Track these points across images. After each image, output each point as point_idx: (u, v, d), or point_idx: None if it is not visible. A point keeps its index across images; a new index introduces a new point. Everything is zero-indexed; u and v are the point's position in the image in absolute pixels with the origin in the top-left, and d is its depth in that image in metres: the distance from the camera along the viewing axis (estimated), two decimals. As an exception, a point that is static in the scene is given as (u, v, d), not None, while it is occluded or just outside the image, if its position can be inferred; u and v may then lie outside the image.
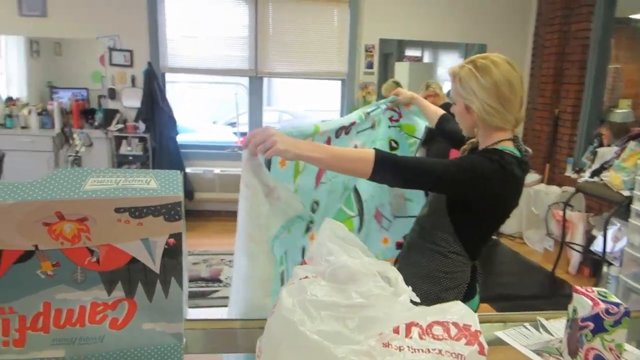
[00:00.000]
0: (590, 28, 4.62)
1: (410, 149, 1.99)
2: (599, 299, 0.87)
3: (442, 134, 1.74)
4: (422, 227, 1.45)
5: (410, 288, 0.87)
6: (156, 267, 0.74)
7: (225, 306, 3.53)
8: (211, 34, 4.89)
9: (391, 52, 5.35)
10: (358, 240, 1.00)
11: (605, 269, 3.76)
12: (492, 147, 1.30)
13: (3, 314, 0.71)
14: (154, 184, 0.70)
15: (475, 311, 1.41)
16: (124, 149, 4.75)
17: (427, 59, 5.57)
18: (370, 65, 5.14)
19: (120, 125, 4.74)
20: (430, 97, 4.20)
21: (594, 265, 4.03)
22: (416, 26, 5.15)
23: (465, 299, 1.38)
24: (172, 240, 0.72)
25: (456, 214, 1.33)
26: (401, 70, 5.40)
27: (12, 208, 0.64)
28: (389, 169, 1.19)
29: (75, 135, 4.23)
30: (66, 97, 4.80)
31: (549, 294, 3.90)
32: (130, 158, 4.74)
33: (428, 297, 1.32)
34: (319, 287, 0.82)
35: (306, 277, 0.87)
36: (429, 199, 1.46)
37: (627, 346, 0.91)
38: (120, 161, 4.74)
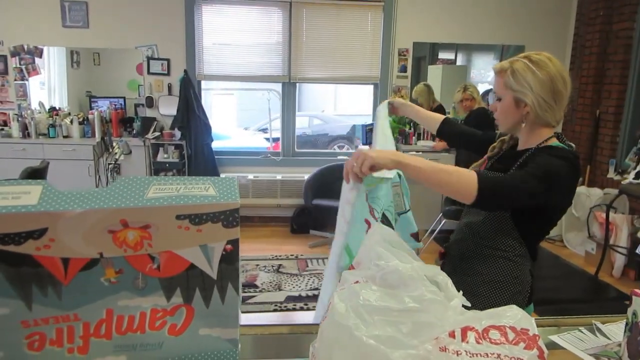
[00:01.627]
0: (634, 27, 4.48)
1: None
2: (664, 304, 0.84)
3: (443, 136, 1.69)
4: (477, 234, 1.40)
5: (461, 293, 0.86)
6: (214, 273, 0.75)
7: (263, 311, 3.55)
8: (246, 41, 4.97)
9: (424, 55, 5.31)
10: (406, 244, 1.00)
11: (653, 273, 3.62)
12: (546, 145, 1.30)
13: (68, 321, 0.73)
14: (213, 191, 0.72)
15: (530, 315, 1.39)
16: (161, 157, 4.87)
17: (460, 61, 5.50)
18: (403, 69, 5.12)
19: (157, 133, 4.87)
20: (467, 100, 4.15)
21: (639, 268, 3.90)
22: (450, 28, 5.10)
23: (529, 302, 1.38)
24: (229, 246, 0.74)
25: (521, 217, 1.31)
26: (434, 73, 5.35)
27: (80, 216, 0.67)
28: (493, 195, 1.14)
29: (114, 144, 4.37)
30: (105, 106, 4.97)
31: (592, 297, 3.78)
32: (167, 165, 4.86)
33: (498, 304, 1.30)
34: (371, 292, 0.82)
35: (357, 282, 0.87)
36: None
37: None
38: (157, 168, 4.86)
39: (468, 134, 1.63)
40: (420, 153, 4.74)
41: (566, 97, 1.29)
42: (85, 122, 4.87)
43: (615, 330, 1.01)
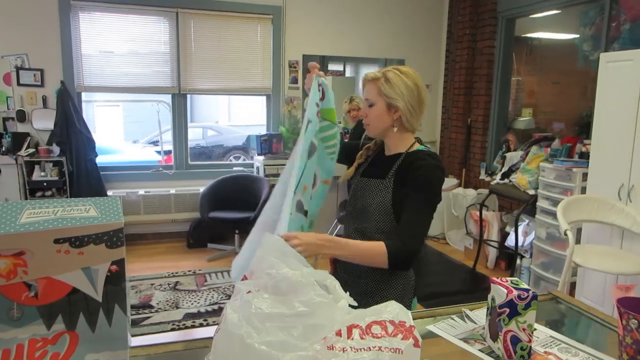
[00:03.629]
0: (494, 45, 5.07)
1: (328, 150, 1.60)
2: (512, 287, 0.98)
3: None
4: (367, 237, 1.46)
5: (347, 293, 0.93)
6: (98, 296, 0.73)
7: (160, 332, 3.40)
8: (130, 50, 4.74)
9: (314, 67, 5.48)
10: (296, 252, 1.05)
11: (518, 261, 4.09)
12: (413, 150, 1.45)
13: None
14: (94, 212, 0.70)
15: (413, 309, 1.51)
16: (37, 175, 4.45)
17: (348, 73, 5.78)
18: (294, 80, 5.24)
19: (32, 150, 4.44)
20: (354, 110, 4.39)
21: (508, 259, 4.37)
22: (338, 42, 5.34)
23: (413, 297, 1.49)
24: (114, 267, 0.72)
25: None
26: (324, 85, 5.54)
27: (-59, 246, 0.62)
28: (403, 260, 1.34)
29: (-21, 163, 3.91)
30: (-35, 121, 4.42)
31: (471, 288, 4.17)
32: (45, 184, 4.45)
33: (390, 299, 1.39)
34: (262, 300, 0.85)
35: (249, 291, 0.90)
36: (367, 207, 1.47)
37: (536, 325, 1.03)
38: (33, 188, 4.42)
39: (348, 147, 1.73)
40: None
41: (425, 106, 1.47)
42: (-60, 139, 4.29)
43: (481, 315, 1.15)
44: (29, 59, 4.45)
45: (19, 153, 4.35)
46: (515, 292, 0.96)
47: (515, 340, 0.96)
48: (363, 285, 1.46)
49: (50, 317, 0.72)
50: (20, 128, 4.51)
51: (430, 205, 1.38)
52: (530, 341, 0.97)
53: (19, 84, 4.46)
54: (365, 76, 1.48)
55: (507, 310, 0.96)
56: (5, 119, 4.52)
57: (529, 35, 5.28)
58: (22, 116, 4.50)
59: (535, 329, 1.00)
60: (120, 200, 0.72)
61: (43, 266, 0.68)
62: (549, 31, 5.14)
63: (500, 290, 0.99)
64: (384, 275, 1.45)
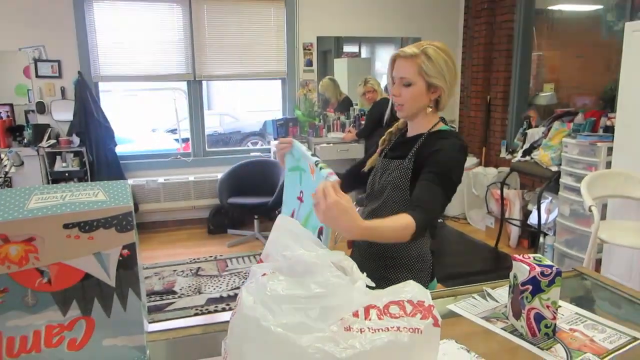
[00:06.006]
0: (514, 19, 4.91)
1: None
2: (535, 263, 0.94)
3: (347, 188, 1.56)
4: (377, 216, 1.41)
5: (365, 274, 0.91)
6: (111, 281, 0.73)
7: (184, 317, 3.44)
8: (145, 39, 4.75)
9: (329, 48, 5.42)
10: (310, 233, 1.03)
11: (541, 239, 4.02)
12: (436, 130, 1.39)
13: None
14: (102, 196, 0.69)
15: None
16: (59, 166, 4.52)
17: (364, 54, 5.69)
18: (309, 63, 5.18)
19: (53, 141, 4.51)
20: (369, 92, 4.33)
21: (531, 237, 4.30)
22: (352, 23, 5.25)
23: (431, 280, 1.45)
24: (125, 251, 0.71)
25: None
26: (340, 67, 5.48)
27: (-48, 234, 0.62)
28: (425, 228, 1.19)
29: (2, 155, 4.00)
30: (-12, 115, 4.50)
31: (493, 267, 4.12)
32: (67, 174, 4.52)
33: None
34: (277, 282, 0.84)
35: (264, 274, 0.89)
36: (385, 186, 1.43)
37: (561, 302, 0.99)
38: (55, 178, 4.50)
39: (356, 170, 1.63)
40: (331, 145, 4.84)
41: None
42: (-35, 133, 4.38)
43: (502, 293, 1.12)
44: (46, 51, 4.49)
45: (40, 144, 4.42)
46: (538, 269, 0.93)
47: (539, 317, 0.94)
48: (379, 268, 1.43)
49: (65, 303, 0.72)
50: (41, 120, 4.57)
51: (445, 188, 1.26)
52: (554, 318, 0.94)
53: (37, 75, 4.51)
54: (400, 52, 1.34)
55: (530, 287, 0.93)
56: (26, 112, 4.59)
57: (550, 7, 5.09)
58: (41, 108, 4.56)
59: (559, 306, 0.97)
60: (129, 184, 0.71)
61: (54, 252, 0.67)
62: (571, 2, 4.96)
63: (523, 267, 0.95)
64: (399, 256, 1.42)
